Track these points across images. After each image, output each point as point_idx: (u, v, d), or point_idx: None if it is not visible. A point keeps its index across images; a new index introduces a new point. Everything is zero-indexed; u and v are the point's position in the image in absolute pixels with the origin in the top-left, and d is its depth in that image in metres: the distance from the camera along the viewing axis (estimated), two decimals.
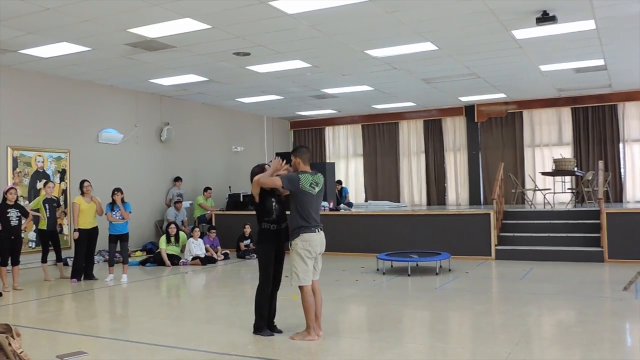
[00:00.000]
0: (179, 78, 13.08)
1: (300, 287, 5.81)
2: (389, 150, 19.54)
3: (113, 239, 10.29)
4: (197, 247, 12.60)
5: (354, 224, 13.42)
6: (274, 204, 6.05)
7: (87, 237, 10.27)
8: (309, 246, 5.78)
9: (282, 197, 6.16)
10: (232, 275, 11.27)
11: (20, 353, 2.75)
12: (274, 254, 6.07)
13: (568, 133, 17.14)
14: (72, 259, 10.85)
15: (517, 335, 5.93)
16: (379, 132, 19.72)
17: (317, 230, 5.85)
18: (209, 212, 15.29)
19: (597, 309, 7.42)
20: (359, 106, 17.78)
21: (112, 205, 10.27)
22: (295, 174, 5.88)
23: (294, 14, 8.64)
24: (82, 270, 10.24)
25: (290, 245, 5.85)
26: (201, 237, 13.00)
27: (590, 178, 14.32)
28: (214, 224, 14.52)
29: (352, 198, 18.58)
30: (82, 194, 10.34)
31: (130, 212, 10.44)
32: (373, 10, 8.51)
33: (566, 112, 17.12)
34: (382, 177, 19.62)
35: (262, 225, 6.06)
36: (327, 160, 19.74)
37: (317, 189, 5.89)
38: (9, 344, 2.71)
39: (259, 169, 6.23)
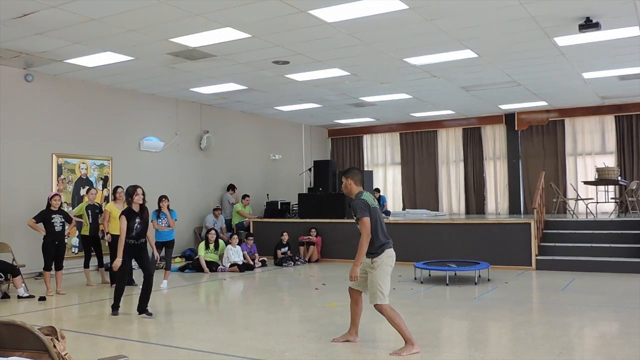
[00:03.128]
0: (219, 87, 13.24)
1: (381, 306, 5.64)
2: (427, 158, 19.41)
3: (159, 245, 10.11)
4: (235, 254, 12.69)
5: (391, 233, 13.20)
6: (136, 224, 7.56)
7: None
8: (392, 261, 5.78)
9: (146, 220, 7.75)
10: (270, 283, 11.31)
11: (65, 355, 2.80)
12: (131, 258, 7.74)
13: (612, 141, 16.77)
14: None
15: (559, 347, 5.83)
16: (418, 141, 19.59)
17: (392, 245, 5.84)
18: (247, 219, 15.41)
19: None
20: (398, 114, 17.71)
21: (158, 212, 10.36)
22: (359, 199, 5.79)
23: (333, 23, 8.67)
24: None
25: (373, 263, 5.70)
26: (239, 244, 13.10)
27: (634, 187, 14.01)
28: (251, 231, 14.63)
29: (390, 206, 18.51)
30: (115, 200, 10.47)
31: (176, 220, 10.52)
32: (412, 18, 8.48)
33: (610, 120, 16.77)
34: (420, 185, 19.48)
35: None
36: (365, 169, 19.67)
37: (375, 203, 5.91)
38: (54, 346, 2.77)
39: (131, 188, 7.66)
